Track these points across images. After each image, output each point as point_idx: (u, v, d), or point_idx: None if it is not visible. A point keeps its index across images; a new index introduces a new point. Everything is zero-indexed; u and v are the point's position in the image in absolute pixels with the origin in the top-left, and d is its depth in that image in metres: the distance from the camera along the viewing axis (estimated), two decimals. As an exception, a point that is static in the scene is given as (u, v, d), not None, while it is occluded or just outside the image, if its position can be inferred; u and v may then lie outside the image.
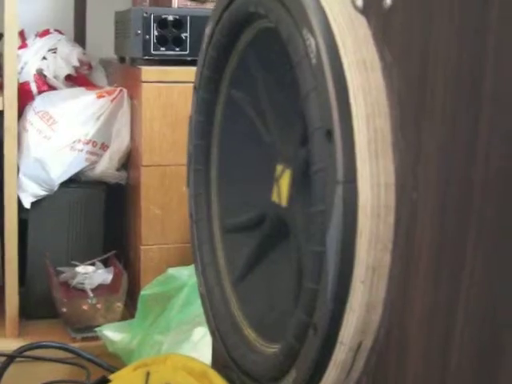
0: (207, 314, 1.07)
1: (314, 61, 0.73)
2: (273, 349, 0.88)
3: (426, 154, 0.65)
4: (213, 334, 1.05)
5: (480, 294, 0.60)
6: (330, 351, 0.74)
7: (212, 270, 1.08)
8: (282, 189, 0.93)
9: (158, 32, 1.94)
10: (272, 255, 1.00)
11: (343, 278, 0.71)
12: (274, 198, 0.96)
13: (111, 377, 1.14)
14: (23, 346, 1.68)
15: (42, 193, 1.97)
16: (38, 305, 2.00)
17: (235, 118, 1.06)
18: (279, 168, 0.94)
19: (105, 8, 2.43)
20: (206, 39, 1.06)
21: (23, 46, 2.28)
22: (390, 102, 0.70)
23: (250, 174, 1.05)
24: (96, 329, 1.80)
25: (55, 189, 1.98)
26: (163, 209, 1.96)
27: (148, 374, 1.05)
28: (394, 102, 0.70)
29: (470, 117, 0.60)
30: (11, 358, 1.64)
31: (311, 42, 0.73)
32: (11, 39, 1.83)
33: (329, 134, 0.71)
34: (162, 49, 1.94)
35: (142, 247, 1.95)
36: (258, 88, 0.99)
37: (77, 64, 2.27)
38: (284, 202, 0.93)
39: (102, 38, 2.43)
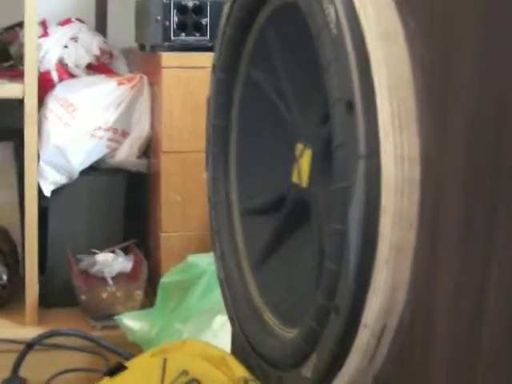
0: (226, 300, 1.04)
1: (334, 31, 0.70)
2: (292, 333, 0.85)
3: (452, 126, 0.62)
4: (232, 320, 1.02)
5: None
6: (352, 334, 0.71)
7: (231, 254, 1.05)
8: (303, 168, 0.90)
9: (177, 18, 1.91)
10: (292, 238, 0.97)
11: (366, 257, 0.68)
12: (295, 178, 0.93)
13: (128, 364, 1.11)
14: (41, 334, 1.66)
15: (63, 180, 1.94)
16: (59, 293, 1.98)
17: (254, 98, 1.03)
18: (299, 147, 0.91)
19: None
20: (224, 17, 1.03)
21: (44, 34, 2.26)
22: (414, 71, 0.67)
23: (269, 155, 1.02)
24: (115, 317, 1.78)
25: (75, 176, 1.96)
26: (184, 196, 1.93)
27: (165, 360, 1.03)
28: (417, 71, 0.66)
29: (498, 83, 0.57)
30: (29, 345, 1.63)
31: (330, 11, 0.70)
32: (31, 28, 1.81)
33: (350, 105, 0.68)
34: (182, 35, 1.91)
35: (162, 234, 1.93)
36: (277, 66, 0.96)
37: (97, 53, 2.25)
38: (304, 182, 0.90)
39: (124, 28, 2.39)
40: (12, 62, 2.08)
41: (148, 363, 1.08)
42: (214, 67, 1.08)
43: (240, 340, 0.99)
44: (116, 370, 1.11)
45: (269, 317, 0.95)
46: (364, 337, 0.70)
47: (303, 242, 0.93)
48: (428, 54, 0.65)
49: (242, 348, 0.98)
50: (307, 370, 0.78)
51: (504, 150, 0.56)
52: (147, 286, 1.92)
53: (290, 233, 0.97)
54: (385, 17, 0.68)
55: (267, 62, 0.98)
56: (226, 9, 1.02)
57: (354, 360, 0.72)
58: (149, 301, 1.94)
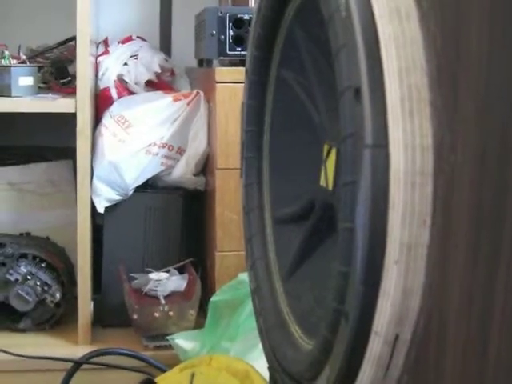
0: (256, 311, 0.99)
1: (343, 13, 0.65)
2: (311, 345, 0.80)
3: (463, 107, 0.56)
4: (260, 332, 0.97)
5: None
6: (363, 343, 0.65)
7: (262, 263, 1.00)
8: (329, 170, 0.85)
9: (233, 32, 1.87)
10: (322, 246, 0.91)
11: (374, 257, 0.62)
12: (322, 182, 0.88)
13: (158, 379, 1.07)
14: (90, 353, 1.63)
15: (117, 197, 1.92)
16: (114, 312, 1.95)
17: (286, 101, 0.99)
18: (326, 148, 0.86)
19: (191, 17, 2.38)
20: (254, 17, 0.99)
21: (105, 52, 2.26)
22: (427, 54, 0.61)
23: (302, 161, 0.97)
24: (168, 337, 1.74)
25: (130, 193, 1.93)
26: (240, 214, 1.88)
27: (193, 375, 0.98)
28: (431, 54, 0.61)
29: (505, 64, 0.51)
30: (77, 364, 1.60)
31: (340, -8, 0.65)
32: (83, 43, 1.80)
33: (357, 92, 0.62)
34: (238, 49, 1.88)
35: (216, 253, 1.88)
36: (305, 64, 0.91)
37: (158, 70, 2.23)
38: (330, 185, 0.85)
39: (188, 47, 2.38)
40: (69, 78, 2.07)
41: (177, 378, 1.03)
42: (247, 70, 1.04)
43: (267, 353, 0.93)
44: (145, 384, 1.07)
45: (295, 329, 0.89)
46: (376, 345, 0.64)
47: (333, 250, 0.88)
48: (441, 35, 0.60)
49: (270, 361, 0.93)
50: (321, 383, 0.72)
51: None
52: (203, 305, 1.88)
53: (320, 241, 0.92)
54: (397, -4, 0.63)
55: (296, 61, 0.94)
56: (255, 8, 0.98)
57: (367, 371, 0.66)
58: (204, 321, 1.89)
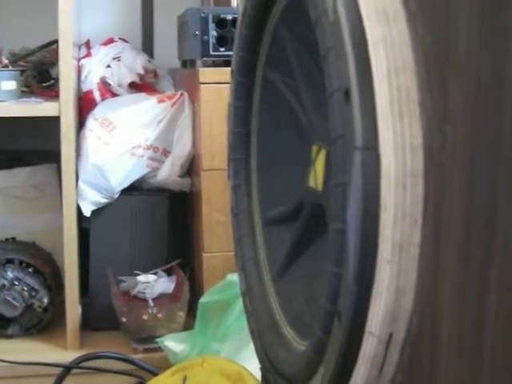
0: (247, 313, 0.99)
1: (331, 17, 0.65)
2: (304, 346, 0.80)
3: (453, 108, 0.56)
4: (252, 333, 0.97)
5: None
6: (357, 343, 0.66)
7: (252, 265, 1.00)
8: (318, 171, 0.85)
9: (216, 32, 1.87)
10: (312, 246, 0.92)
11: (367, 257, 0.62)
12: (311, 183, 0.88)
13: (149, 383, 1.07)
14: (80, 357, 1.63)
15: (103, 200, 1.92)
16: (102, 316, 1.95)
17: (273, 102, 0.99)
18: (315, 149, 0.86)
19: (173, 18, 2.38)
20: (240, 17, 0.99)
21: (88, 55, 2.25)
22: (416, 55, 0.61)
23: (290, 161, 0.98)
24: (157, 339, 1.74)
25: (115, 196, 1.93)
26: (227, 215, 1.88)
27: (185, 378, 0.98)
28: (419, 55, 0.61)
29: (494, 64, 0.51)
30: (67, 369, 1.60)
31: (327, -5, 0.65)
32: (65, 46, 1.80)
33: (346, 94, 0.62)
34: (221, 49, 1.88)
35: (204, 255, 1.88)
36: (292, 65, 0.91)
37: (141, 71, 2.22)
38: (320, 186, 0.85)
39: (171, 48, 2.38)
40: (52, 81, 2.07)
41: (169, 381, 1.03)
42: (233, 71, 1.04)
43: (259, 354, 0.94)
44: (137, 389, 1.07)
45: (287, 330, 0.89)
46: (370, 345, 0.65)
47: (324, 250, 0.88)
48: (429, 36, 0.60)
49: (261, 362, 0.93)
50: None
51: (505, 130, 0.50)
52: (191, 307, 1.88)
53: (311, 241, 0.92)
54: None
55: (283, 63, 0.94)
56: (241, 8, 0.98)
57: (361, 371, 0.66)
58: (193, 322, 1.89)
